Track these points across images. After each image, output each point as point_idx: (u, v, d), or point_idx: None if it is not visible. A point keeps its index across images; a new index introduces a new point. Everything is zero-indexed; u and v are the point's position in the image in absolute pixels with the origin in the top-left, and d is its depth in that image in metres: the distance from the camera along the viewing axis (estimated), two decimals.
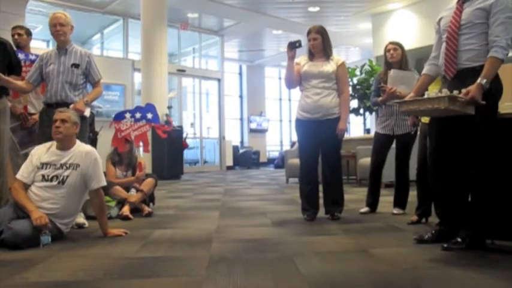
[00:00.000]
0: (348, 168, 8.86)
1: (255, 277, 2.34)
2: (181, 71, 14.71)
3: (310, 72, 4.23)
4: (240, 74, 19.77)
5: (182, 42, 15.30)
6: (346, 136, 4.51)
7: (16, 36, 4.62)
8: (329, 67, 4.23)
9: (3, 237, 3.11)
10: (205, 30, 15.51)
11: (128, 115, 5.32)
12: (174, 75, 14.18)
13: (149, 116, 5.37)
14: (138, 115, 5.32)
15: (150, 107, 5.49)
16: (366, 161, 7.32)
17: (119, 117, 5.30)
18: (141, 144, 5.39)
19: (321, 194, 4.37)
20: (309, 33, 4.31)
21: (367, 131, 11.40)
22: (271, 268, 2.51)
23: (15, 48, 4.58)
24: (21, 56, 4.52)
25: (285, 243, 3.20)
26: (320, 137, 4.21)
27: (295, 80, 4.27)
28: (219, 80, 15.93)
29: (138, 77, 12.72)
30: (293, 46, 4.10)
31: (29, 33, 4.75)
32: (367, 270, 2.45)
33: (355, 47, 17.28)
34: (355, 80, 10.80)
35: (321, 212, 4.34)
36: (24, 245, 3.06)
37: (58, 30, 4.02)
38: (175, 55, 15.64)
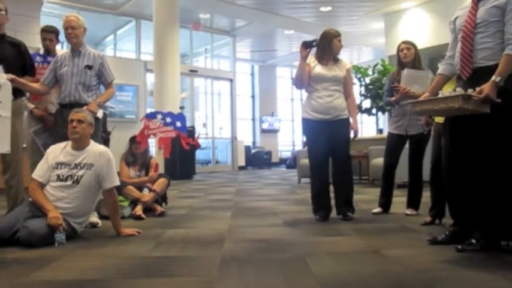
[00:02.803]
0: (360, 168, 8.82)
1: (267, 277, 2.34)
2: (194, 72, 14.75)
3: (324, 75, 4.25)
4: (252, 74, 19.77)
5: (194, 43, 15.34)
6: (358, 136, 4.51)
7: (48, 42, 4.63)
8: (340, 72, 4.31)
9: (18, 236, 3.16)
10: (217, 31, 15.54)
11: (159, 116, 5.44)
12: (186, 75, 14.23)
13: (178, 124, 5.48)
14: (168, 119, 5.44)
15: (181, 117, 5.64)
16: (378, 161, 7.29)
17: (151, 115, 5.44)
18: (162, 147, 5.48)
19: (331, 195, 4.37)
20: (337, 35, 4.33)
21: (380, 131, 11.33)
22: (283, 268, 2.51)
23: (42, 52, 4.64)
24: (39, 58, 4.57)
25: (296, 244, 3.19)
26: (330, 137, 4.22)
27: (306, 80, 4.27)
28: (231, 80, 15.95)
29: (150, 78, 12.78)
30: (308, 45, 4.09)
31: (58, 36, 4.77)
32: (380, 271, 2.44)
33: (367, 47, 17.19)
34: (367, 80, 10.74)
35: (333, 213, 4.33)
36: (39, 244, 3.09)
37: (70, 33, 4.07)
38: (188, 56, 15.69)
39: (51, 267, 2.64)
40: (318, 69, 4.26)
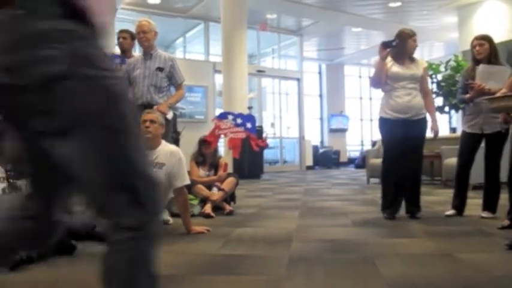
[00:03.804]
0: (432, 168, 8.52)
1: (335, 278, 2.33)
2: (261, 72, 14.84)
3: (402, 74, 4.23)
4: (320, 73, 19.59)
5: (261, 43, 15.43)
6: (430, 135, 4.40)
7: (121, 40, 4.90)
8: (417, 70, 4.29)
9: (96, 231, 3.33)
10: (284, 31, 15.55)
11: (230, 117, 5.55)
12: (254, 76, 14.34)
13: (248, 125, 5.56)
14: (239, 120, 5.53)
15: (251, 118, 5.71)
16: (451, 161, 7.01)
17: (222, 116, 5.56)
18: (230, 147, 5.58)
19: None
20: (412, 35, 4.29)
21: (453, 130, 10.88)
22: (352, 269, 2.48)
23: (118, 50, 4.87)
24: (118, 60, 4.80)
25: (365, 244, 3.14)
26: (406, 136, 4.17)
27: (384, 79, 4.23)
28: (298, 80, 15.91)
29: (219, 79, 13.00)
30: (388, 45, 4.10)
31: (133, 38, 5.01)
32: (452, 276, 2.35)
33: (439, 42, 16.55)
34: (439, 77, 10.34)
35: (400, 212, 4.23)
36: None
37: (142, 37, 4.24)
38: (255, 56, 15.81)
39: None
40: (395, 68, 4.24)
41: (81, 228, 3.34)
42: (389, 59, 4.26)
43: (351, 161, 18.93)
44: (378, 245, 3.14)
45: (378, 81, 4.27)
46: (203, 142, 5.20)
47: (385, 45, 4.12)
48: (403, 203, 4.35)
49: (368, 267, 2.51)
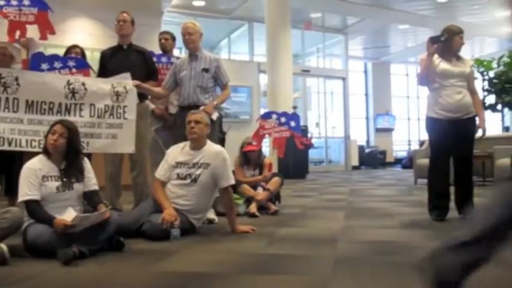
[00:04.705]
0: (483, 169, 8.24)
1: (381, 280, 2.29)
2: (306, 71, 14.78)
3: (451, 72, 4.11)
4: (365, 72, 19.31)
5: (306, 43, 15.37)
6: (478, 135, 4.28)
7: (163, 41, 5.03)
8: (466, 68, 4.19)
9: (143, 229, 3.42)
10: (328, 29, 15.43)
11: (274, 116, 5.57)
12: (299, 75, 14.30)
13: (292, 124, 5.56)
14: (283, 119, 5.54)
15: (295, 117, 5.71)
16: (504, 162, 6.77)
17: (266, 115, 5.58)
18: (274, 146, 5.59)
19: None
20: (459, 32, 4.17)
21: (506, 129, 10.50)
22: (399, 272, 2.42)
23: (160, 52, 4.98)
24: (164, 59, 4.90)
25: (413, 247, 3.07)
26: (456, 136, 4.07)
27: (432, 77, 4.12)
28: (343, 79, 15.74)
29: (263, 79, 13.05)
30: (436, 41, 4.02)
31: (174, 39, 5.13)
32: (504, 280, 2.26)
33: (491, 38, 15.99)
34: (491, 74, 9.99)
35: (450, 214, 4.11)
36: (162, 237, 3.31)
37: (187, 39, 4.30)
38: (300, 55, 15.76)
39: (172, 259, 2.81)
40: (444, 65, 4.13)
41: (130, 226, 3.43)
42: (436, 56, 4.15)
43: (398, 161, 18.58)
44: (426, 248, 3.02)
45: (425, 78, 4.16)
46: (245, 153, 5.16)
47: (433, 40, 4.02)
48: (454, 205, 4.22)
49: (415, 271, 2.44)
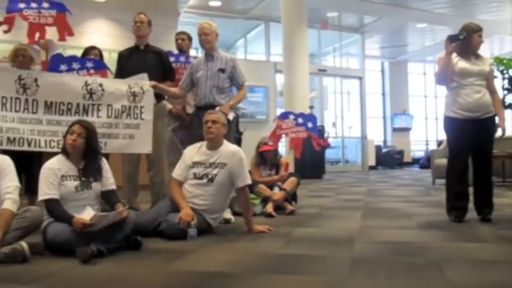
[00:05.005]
0: (503, 169, 8.12)
1: (399, 281, 2.27)
2: (322, 71, 14.73)
3: (470, 70, 4.05)
4: (382, 71, 19.17)
5: (322, 42, 15.31)
6: (498, 134, 4.22)
7: (179, 41, 5.05)
8: (485, 66, 4.11)
9: (160, 228, 3.44)
10: (345, 29, 15.35)
11: (291, 116, 5.58)
12: (315, 75, 14.26)
13: (309, 125, 5.56)
14: (300, 120, 5.54)
15: (312, 118, 5.71)
16: None
17: (283, 116, 5.59)
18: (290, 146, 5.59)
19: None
20: (477, 30, 4.10)
21: None
22: (416, 273, 2.40)
23: (177, 51, 5.02)
24: (182, 58, 4.92)
25: (431, 248, 3.04)
26: (475, 136, 4.01)
27: (450, 76, 4.07)
28: (360, 79, 15.65)
29: (280, 79, 13.02)
30: (454, 39, 3.95)
31: (190, 39, 5.16)
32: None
33: (510, 35, 15.72)
34: (511, 72, 9.84)
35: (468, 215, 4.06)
36: (179, 236, 3.33)
37: (203, 39, 4.32)
38: (316, 55, 15.71)
39: (189, 258, 2.83)
40: (462, 63, 4.06)
41: (147, 225, 3.46)
42: (454, 54, 4.10)
43: (415, 161, 18.42)
44: (444, 249, 3.03)
45: (444, 77, 4.11)
46: (261, 153, 5.16)
47: (452, 39, 3.96)
48: (473, 205, 4.17)
49: (433, 272, 2.42)
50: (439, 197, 6.08)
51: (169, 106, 4.77)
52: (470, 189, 4.15)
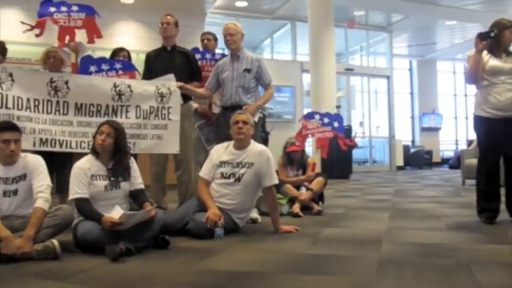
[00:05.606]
0: None
1: (427, 283, 2.24)
2: (349, 70, 14.62)
3: (501, 68, 3.93)
4: (410, 70, 18.91)
5: (349, 41, 15.20)
6: None
7: (205, 41, 5.09)
8: None
9: (188, 228, 3.48)
10: (372, 27, 15.20)
11: (317, 116, 5.56)
12: (342, 74, 14.17)
13: (335, 124, 5.53)
14: (326, 120, 5.52)
15: (339, 117, 5.68)
16: None
17: (309, 115, 5.59)
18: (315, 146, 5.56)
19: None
20: (509, 26, 3.97)
21: None
22: (445, 275, 2.37)
23: (201, 49, 5.06)
24: (208, 55, 4.95)
25: (460, 250, 2.99)
26: (507, 135, 3.91)
27: (480, 74, 3.98)
28: (388, 78, 15.47)
29: (306, 78, 12.98)
30: (485, 37, 3.84)
31: (216, 39, 5.20)
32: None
33: None
34: None
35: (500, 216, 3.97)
36: (206, 235, 3.36)
37: (229, 39, 4.35)
38: (343, 54, 15.61)
39: (216, 257, 2.85)
40: (493, 61, 3.96)
41: (174, 224, 3.50)
42: (485, 52, 4.00)
43: (445, 161, 18.11)
44: (474, 251, 2.97)
45: (474, 76, 4.01)
46: (289, 153, 5.16)
47: (482, 36, 3.85)
48: (504, 207, 4.08)
49: (463, 274, 2.38)
50: (469, 198, 5.97)
51: (195, 105, 4.81)
52: (502, 190, 4.07)
